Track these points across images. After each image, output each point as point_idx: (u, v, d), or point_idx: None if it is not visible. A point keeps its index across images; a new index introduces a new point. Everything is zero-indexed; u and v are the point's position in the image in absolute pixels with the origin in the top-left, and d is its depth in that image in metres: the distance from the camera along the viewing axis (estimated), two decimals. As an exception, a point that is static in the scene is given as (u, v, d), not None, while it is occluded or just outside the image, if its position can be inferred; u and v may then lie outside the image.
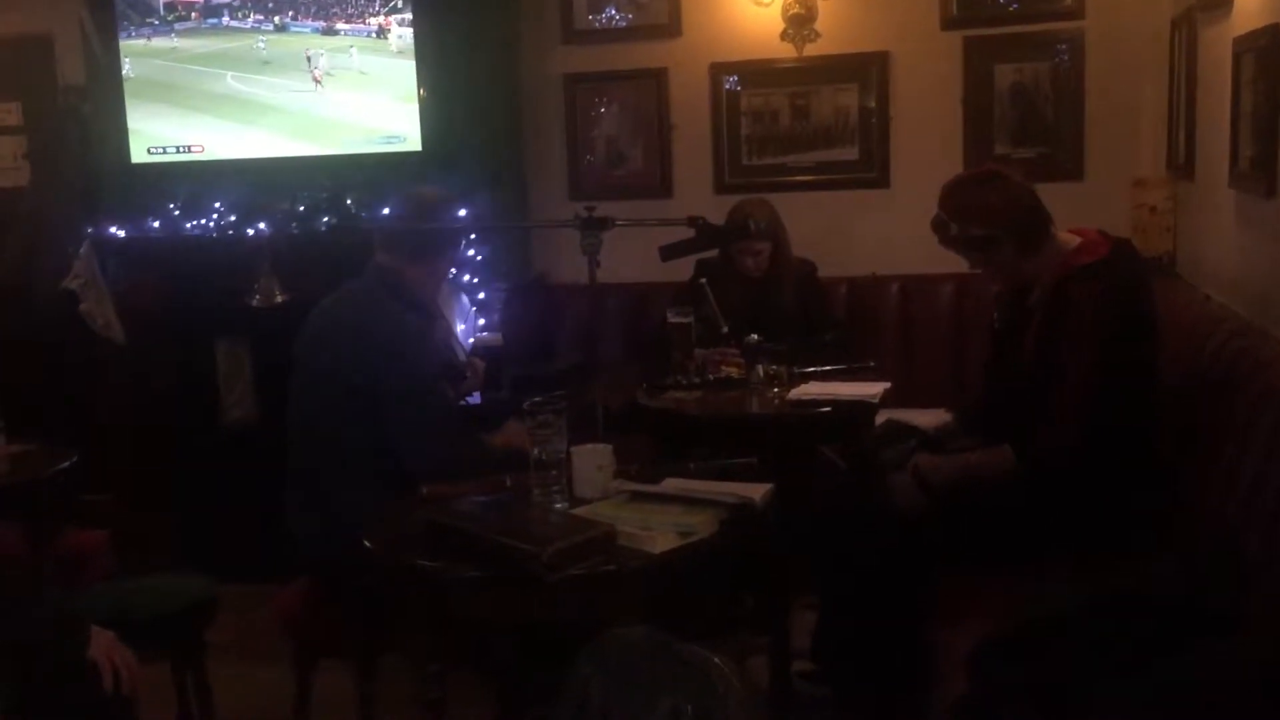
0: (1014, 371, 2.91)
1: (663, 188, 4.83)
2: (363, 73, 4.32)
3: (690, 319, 3.67)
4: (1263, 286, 3.03)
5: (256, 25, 4.39)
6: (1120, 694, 1.92)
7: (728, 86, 4.74)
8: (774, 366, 3.48)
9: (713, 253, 3.82)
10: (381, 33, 4.28)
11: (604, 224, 2.64)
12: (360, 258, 3.09)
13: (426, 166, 4.14)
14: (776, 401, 3.42)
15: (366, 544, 2.41)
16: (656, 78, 4.79)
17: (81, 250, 4.35)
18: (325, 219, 4.20)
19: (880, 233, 4.61)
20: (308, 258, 4.10)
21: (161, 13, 4.43)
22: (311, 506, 2.93)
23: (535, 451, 2.45)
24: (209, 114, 4.47)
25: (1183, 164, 3.97)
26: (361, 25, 4.30)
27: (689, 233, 2.82)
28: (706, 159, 4.80)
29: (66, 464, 3.47)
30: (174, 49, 4.45)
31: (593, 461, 2.51)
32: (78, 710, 2.21)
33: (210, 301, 4.28)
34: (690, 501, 2.41)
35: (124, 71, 4.46)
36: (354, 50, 4.32)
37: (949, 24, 4.55)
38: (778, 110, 4.72)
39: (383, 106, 4.31)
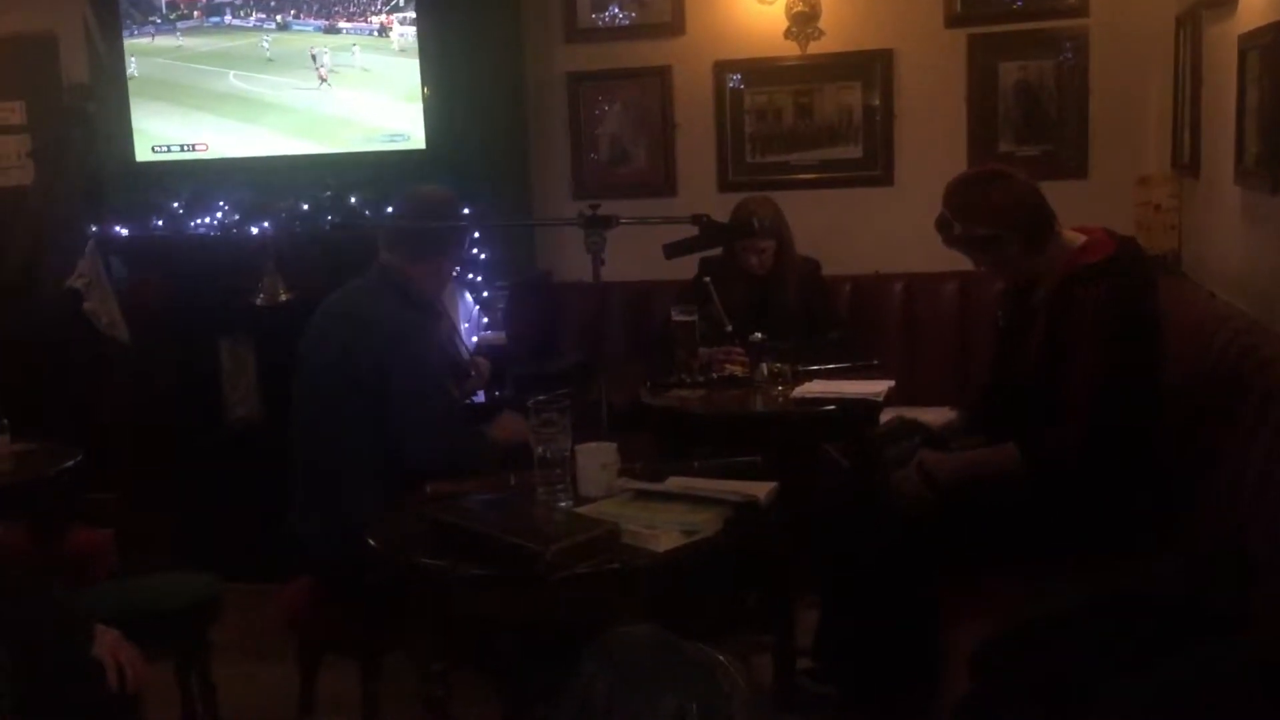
0: (1019, 370, 2.90)
1: (666, 186, 4.83)
2: (365, 71, 4.32)
3: (694, 317, 3.67)
4: (1268, 284, 3.02)
5: (259, 24, 4.39)
6: (1123, 693, 1.92)
7: (731, 84, 4.73)
8: (778, 365, 3.48)
9: (717, 251, 3.83)
10: (383, 31, 4.27)
11: (608, 222, 2.64)
12: (364, 256, 3.09)
13: (430, 165, 4.14)
14: (780, 400, 3.42)
15: (370, 542, 2.41)
16: (660, 76, 4.78)
17: (86, 249, 4.35)
18: (329, 218, 4.19)
19: (884, 231, 4.60)
20: (311, 256, 4.11)
21: (164, 11, 4.43)
22: (315, 505, 2.93)
23: (539, 450, 2.45)
24: (212, 113, 4.47)
25: (1188, 161, 3.96)
26: (363, 24, 4.29)
27: (693, 231, 2.81)
28: (710, 157, 4.79)
29: (70, 463, 3.47)
30: (178, 47, 4.45)
31: (597, 460, 2.51)
32: (83, 708, 2.21)
33: (214, 300, 4.28)
34: (694, 500, 2.41)
35: (128, 70, 4.46)
36: (356, 49, 4.31)
37: (953, 21, 4.55)
38: (781, 108, 4.71)
39: (386, 105, 4.30)
